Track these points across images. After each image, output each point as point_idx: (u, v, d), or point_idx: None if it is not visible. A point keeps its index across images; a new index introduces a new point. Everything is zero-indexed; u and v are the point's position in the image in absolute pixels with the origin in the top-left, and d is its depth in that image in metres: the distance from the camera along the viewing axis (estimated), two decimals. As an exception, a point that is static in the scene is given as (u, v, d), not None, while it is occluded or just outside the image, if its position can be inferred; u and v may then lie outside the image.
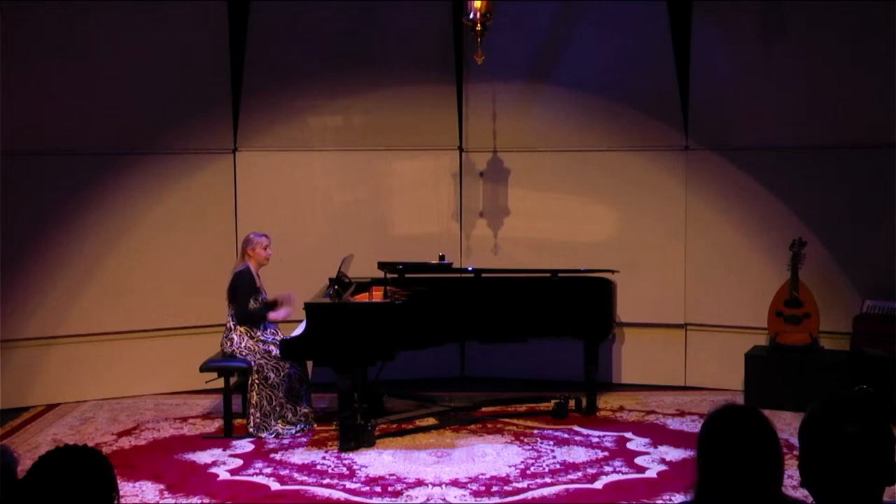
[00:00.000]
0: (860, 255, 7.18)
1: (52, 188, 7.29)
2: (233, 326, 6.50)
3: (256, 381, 6.35)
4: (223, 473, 5.71)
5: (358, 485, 5.47)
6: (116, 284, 7.47)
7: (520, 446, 6.16)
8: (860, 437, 2.03)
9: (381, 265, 6.63)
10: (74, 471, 2.18)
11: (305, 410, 6.50)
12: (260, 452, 6.06)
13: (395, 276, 6.66)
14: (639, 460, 5.89)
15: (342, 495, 5.31)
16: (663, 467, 5.75)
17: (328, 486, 5.47)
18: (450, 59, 7.95)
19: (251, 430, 6.34)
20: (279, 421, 6.38)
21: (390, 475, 5.62)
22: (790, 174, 7.36)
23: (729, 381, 7.39)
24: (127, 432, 6.59)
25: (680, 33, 7.55)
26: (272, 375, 6.35)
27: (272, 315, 6.57)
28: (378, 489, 5.40)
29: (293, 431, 6.40)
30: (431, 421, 6.70)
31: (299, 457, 5.98)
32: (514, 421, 6.74)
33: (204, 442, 6.31)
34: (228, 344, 6.46)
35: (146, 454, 6.08)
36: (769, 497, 2.16)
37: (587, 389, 6.98)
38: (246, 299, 6.48)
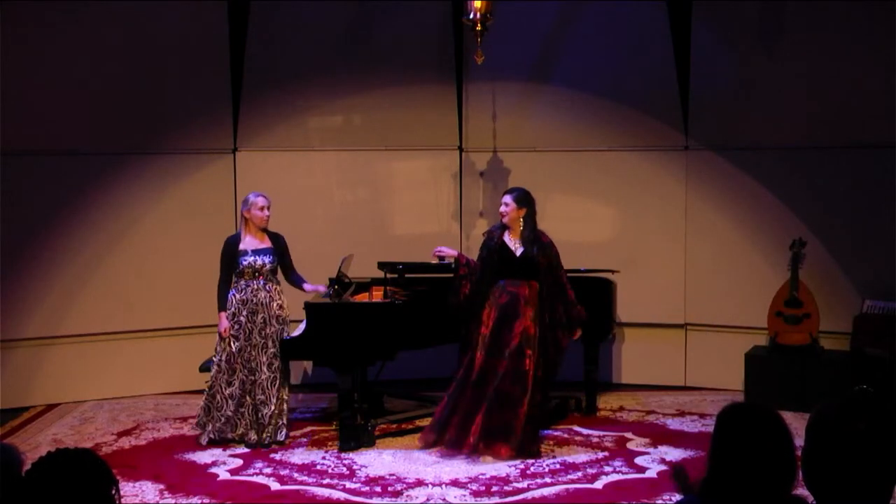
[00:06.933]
0: (860, 255, 7.18)
1: (52, 188, 7.29)
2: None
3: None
4: (223, 473, 5.71)
5: (358, 485, 5.47)
6: (116, 284, 7.47)
7: (520, 446, 6.15)
8: (871, 435, 2.03)
9: (381, 265, 6.63)
10: (70, 476, 2.17)
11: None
12: (260, 452, 6.06)
13: (395, 276, 6.66)
14: (639, 460, 5.89)
15: (342, 495, 5.31)
16: (663, 467, 5.75)
17: (328, 486, 5.47)
18: (450, 59, 7.95)
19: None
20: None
21: (390, 475, 5.62)
22: (790, 174, 7.36)
23: (729, 381, 7.38)
24: (127, 432, 6.59)
25: (680, 33, 7.55)
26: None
27: (220, 316, 6.25)
28: (378, 489, 5.40)
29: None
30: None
31: (299, 457, 5.98)
32: (514, 421, 6.73)
33: (204, 442, 6.32)
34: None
35: (146, 454, 6.08)
36: (778, 496, 2.16)
37: (587, 389, 6.99)
38: (222, 267, 6.28)
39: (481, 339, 5.92)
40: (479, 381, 5.86)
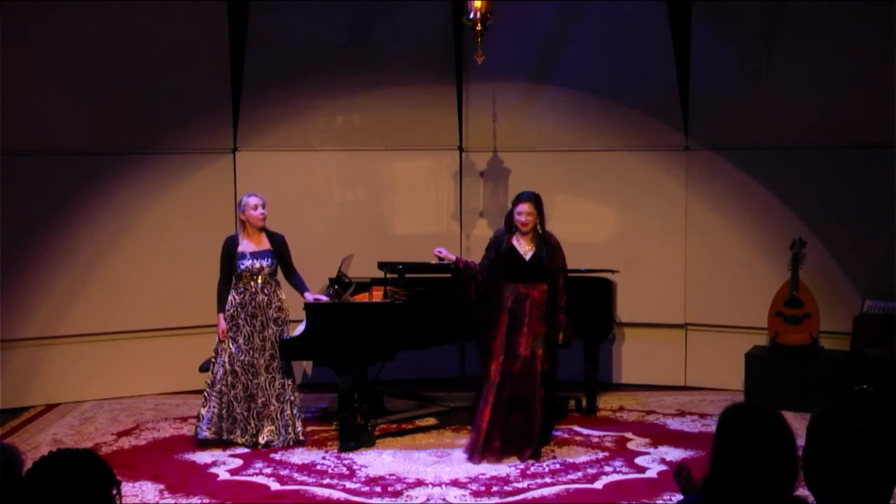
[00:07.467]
0: (860, 255, 7.18)
1: (52, 188, 7.29)
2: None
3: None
4: (223, 473, 5.71)
5: (358, 485, 5.47)
6: (116, 284, 7.47)
7: (520, 446, 6.15)
8: (871, 435, 2.04)
9: (381, 265, 6.63)
10: (71, 476, 2.17)
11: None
12: (260, 452, 6.05)
13: (395, 276, 6.66)
14: (639, 460, 5.89)
15: (342, 495, 5.31)
16: (663, 467, 5.75)
17: (328, 486, 5.47)
18: (450, 59, 7.95)
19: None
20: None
21: (390, 475, 5.62)
22: (790, 174, 7.36)
23: (729, 381, 7.38)
24: (127, 432, 6.59)
25: (680, 33, 7.55)
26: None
27: (218, 318, 6.26)
28: (378, 489, 5.40)
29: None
30: (431, 421, 6.71)
31: (299, 457, 5.98)
32: (514, 421, 6.73)
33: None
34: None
35: (146, 454, 6.08)
36: (780, 497, 2.16)
37: (587, 389, 7.00)
38: (222, 267, 6.27)
39: (497, 347, 5.94)
40: (500, 389, 5.89)
